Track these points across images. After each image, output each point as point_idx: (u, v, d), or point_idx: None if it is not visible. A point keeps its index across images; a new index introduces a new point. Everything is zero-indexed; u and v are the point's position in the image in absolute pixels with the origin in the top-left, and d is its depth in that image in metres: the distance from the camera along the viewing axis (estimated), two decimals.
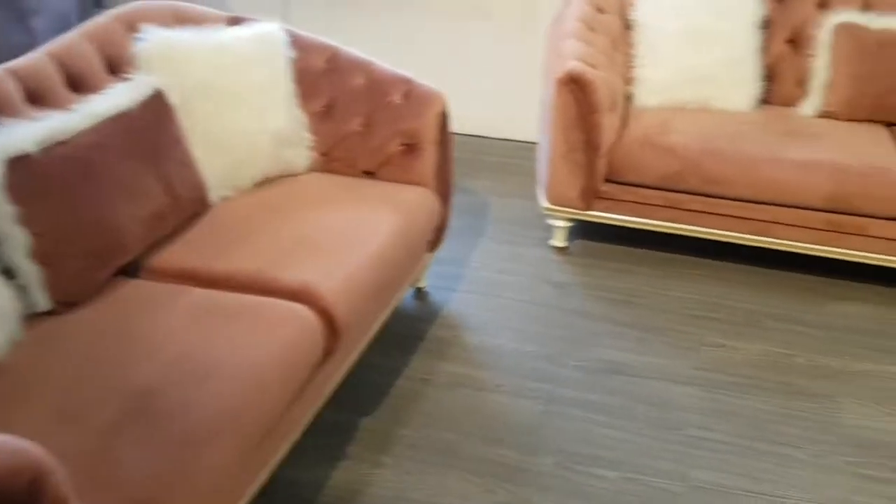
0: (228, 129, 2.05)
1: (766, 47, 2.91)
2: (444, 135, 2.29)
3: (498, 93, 3.64)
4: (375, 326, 2.03)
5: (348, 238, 1.89)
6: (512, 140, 3.73)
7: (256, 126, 2.09)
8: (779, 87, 2.93)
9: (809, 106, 2.83)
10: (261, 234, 1.89)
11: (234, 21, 2.24)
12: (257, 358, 1.48)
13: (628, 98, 2.89)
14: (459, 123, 3.81)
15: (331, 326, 1.69)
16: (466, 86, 3.57)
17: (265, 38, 2.13)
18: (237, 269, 1.75)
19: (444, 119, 2.27)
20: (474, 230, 2.94)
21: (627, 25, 2.93)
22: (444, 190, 2.34)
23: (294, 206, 2.03)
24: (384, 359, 2.24)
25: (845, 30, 2.74)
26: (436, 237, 2.36)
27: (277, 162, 2.17)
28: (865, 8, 2.84)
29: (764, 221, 2.58)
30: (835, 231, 2.52)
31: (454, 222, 2.78)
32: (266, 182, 2.18)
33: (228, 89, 2.04)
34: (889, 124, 2.75)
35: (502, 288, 2.59)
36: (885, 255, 2.48)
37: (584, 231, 2.93)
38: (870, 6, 2.84)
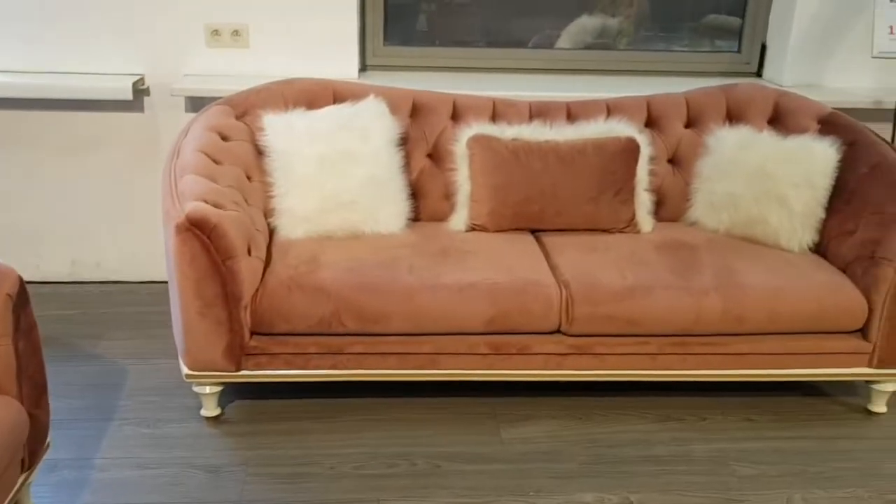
0: None
1: (407, 164, 2.72)
2: (20, 322, 1.71)
3: (131, 231, 3.10)
4: None
5: None
6: (156, 282, 3.17)
7: None
8: (427, 203, 2.74)
9: (458, 220, 2.67)
10: None
11: None
12: None
13: (273, 232, 2.51)
14: (89, 271, 3.21)
15: None
16: (94, 226, 2.99)
17: None
18: None
19: (15, 302, 1.70)
20: (103, 411, 2.34)
21: (261, 152, 2.57)
22: (33, 391, 1.75)
23: None
24: None
25: (478, 142, 2.63)
26: (32, 452, 1.75)
27: None
28: (494, 119, 2.76)
29: (429, 354, 2.32)
30: (500, 353, 2.32)
31: (77, 404, 2.18)
32: None
33: None
34: (533, 231, 2.66)
35: (141, 490, 2.04)
36: (546, 370, 2.33)
37: (242, 389, 2.47)
38: (498, 117, 2.77)
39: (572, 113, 2.81)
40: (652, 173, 2.75)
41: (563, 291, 2.31)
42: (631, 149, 2.64)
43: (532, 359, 2.34)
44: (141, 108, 3.00)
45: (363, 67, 3.19)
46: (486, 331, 2.32)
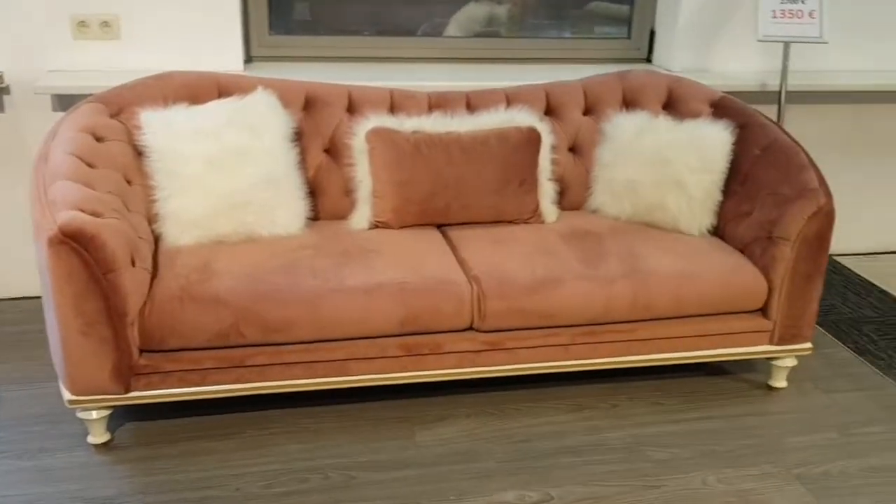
0: None
1: (303, 160, 2.57)
2: None
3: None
4: None
5: None
6: (28, 298, 2.90)
7: None
8: (326, 200, 2.61)
9: (360, 218, 2.55)
10: None
11: None
12: None
13: (159, 239, 2.32)
14: None
15: None
16: None
17: None
18: None
19: None
20: None
21: (140, 153, 2.36)
22: None
23: None
24: None
25: (378, 135, 2.51)
26: None
27: None
28: (393, 111, 2.65)
29: (337, 361, 2.19)
30: (412, 355, 2.22)
31: None
32: None
33: None
34: (438, 226, 2.57)
35: None
36: (460, 368, 2.26)
37: (134, 411, 2.28)
38: (397, 109, 2.66)
39: (472, 103, 2.73)
40: (554, 162, 2.72)
41: (474, 287, 2.24)
42: (533, 138, 2.59)
43: (445, 358, 2.26)
44: (1, 108, 2.72)
45: (248, 59, 3.01)
46: (397, 332, 2.21)
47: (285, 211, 2.44)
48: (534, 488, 2.10)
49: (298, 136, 2.57)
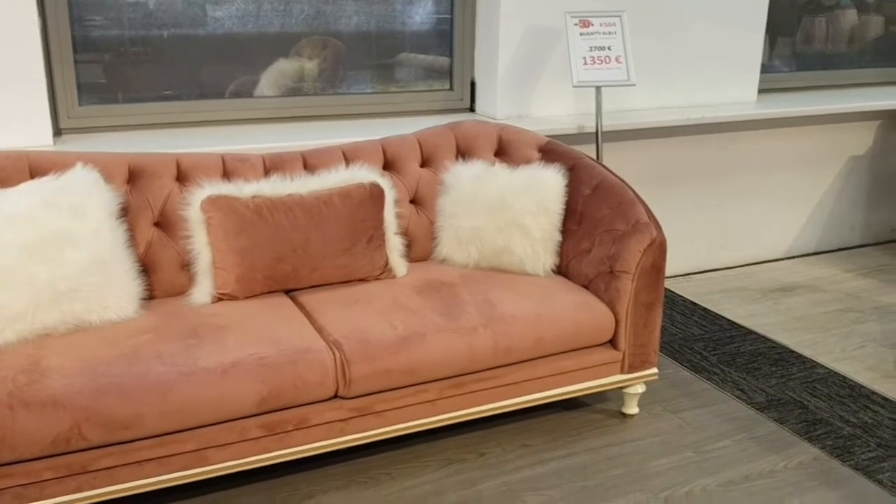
0: None
1: (132, 237, 2.35)
2: None
3: None
4: None
5: None
6: None
7: None
8: (161, 277, 2.40)
9: (202, 292, 2.37)
10: None
11: None
12: None
13: None
14: None
15: None
16: None
17: None
18: None
19: None
20: None
21: None
22: None
23: None
24: None
25: (215, 203, 2.36)
26: None
27: None
28: (227, 177, 2.50)
29: (193, 451, 2.00)
30: (276, 433, 2.07)
31: None
32: None
33: None
34: (287, 292, 2.44)
35: None
36: (328, 440, 2.14)
37: None
38: (231, 174, 2.51)
39: (309, 163, 2.65)
40: (399, 216, 2.68)
41: (337, 353, 2.13)
42: (376, 194, 2.54)
43: (312, 431, 2.13)
44: None
45: (57, 132, 2.74)
46: (258, 412, 2.06)
47: (117, 294, 2.22)
48: None
49: (125, 212, 2.36)
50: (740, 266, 4.05)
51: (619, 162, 3.59)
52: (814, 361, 3.04)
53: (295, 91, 3.14)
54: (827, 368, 2.99)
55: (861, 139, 4.18)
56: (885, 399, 2.78)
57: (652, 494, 2.27)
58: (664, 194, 3.76)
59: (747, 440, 2.54)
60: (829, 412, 2.70)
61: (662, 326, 3.31)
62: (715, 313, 3.48)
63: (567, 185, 2.73)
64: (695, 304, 3.58)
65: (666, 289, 3.75)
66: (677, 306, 3.55)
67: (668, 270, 3.89)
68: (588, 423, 2.63)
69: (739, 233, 4.00)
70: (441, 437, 2.51)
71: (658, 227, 2.49)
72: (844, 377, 2.93)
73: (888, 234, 4.44)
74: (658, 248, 2.47)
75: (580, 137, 3.35)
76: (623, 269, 2.46)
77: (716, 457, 2.46)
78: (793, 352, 3.12)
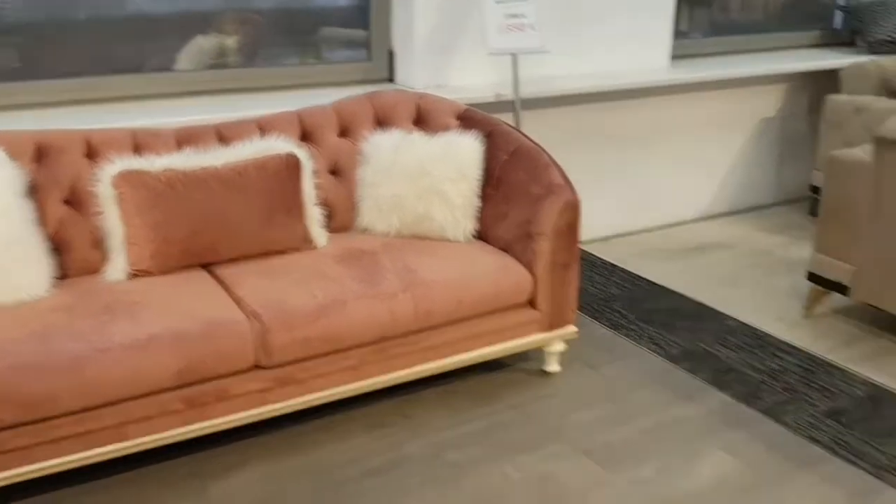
0: None
1: (42, 215, 2.30)
2: None
3: None
4: None
5: None
6: None
7: None
8: (73, 256, 2.36)
9: (116, 269, 2.33)
10: None
11: None
12: None
13: None
14: None
15: None
16: None
17: None
18: None
19: None
20: None
21: None
22: None
23: None
24: None
25: (126, 179, 2.32)
26: None
27: None
28: (138, 152, 2.45)
29: (113, 427, 1.98)
30: (197, 406, 2.07)
31: None
32: None
33: None
34: (205, 266, 2.42)
35: None
36: (251, 410, 2.14)
37: None
38: (142, 149, 2.47)
39: (223, 136, 2.62)
40: (317, 186, 2.67)
41: (255, 323, 2.13)
42: (293, 164, 2.53)
43: (233, 403, 2.13)
44: None
45: None
46: (177, 385, 2.05)
47: (26, 273, 2.17)
48: None
49: (33, 190, 2.30)
50: (658, 228, 4.17)
51: (538, 129, 3.64)
52: (725, 315, 3.16)
53: (210, 66, 3.08)
54: (737, 321, 3.11)
55: (771, 102, 4.33)
56: (792, 347, 2.92)
57: (571, 445, 2.35)
58: (583, 160, 3.83)
59: (661, 390, 2.64)
60: (738, 361, 2.82)
61: (583, 288, 3.40)
62: (633, 274, 3.58)
63: (485, 152, 2.77)
64: (614, 265, 3.68)
65: (586, 252, 3.84)
66: (597, 268, 3.64)
67: (588, 234, 3.98)
68: (510, 382, 2.69)
69: (656, 196, 4.11)
70: (367, 403, 2.54)
71: (572, 190, 2.55)
72: (754, 328, 3.06)
73: (798, 193, 4.62)
74: (572, 210, 2.53)
75: (499, 106, 3.38)
76: (539, 231, 2.52)
77: (632, 407, 2.55)
78: (706, 307, 3.24)
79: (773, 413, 2.50)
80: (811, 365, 2.78)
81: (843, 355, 2.85)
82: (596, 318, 3.13)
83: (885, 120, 2.72)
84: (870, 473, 2.22)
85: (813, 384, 2.66)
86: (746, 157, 4.36)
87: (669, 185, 4.13)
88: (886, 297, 2.80)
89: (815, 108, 4.44)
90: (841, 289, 2.96)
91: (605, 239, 4.01)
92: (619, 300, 3.30)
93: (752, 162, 4.38)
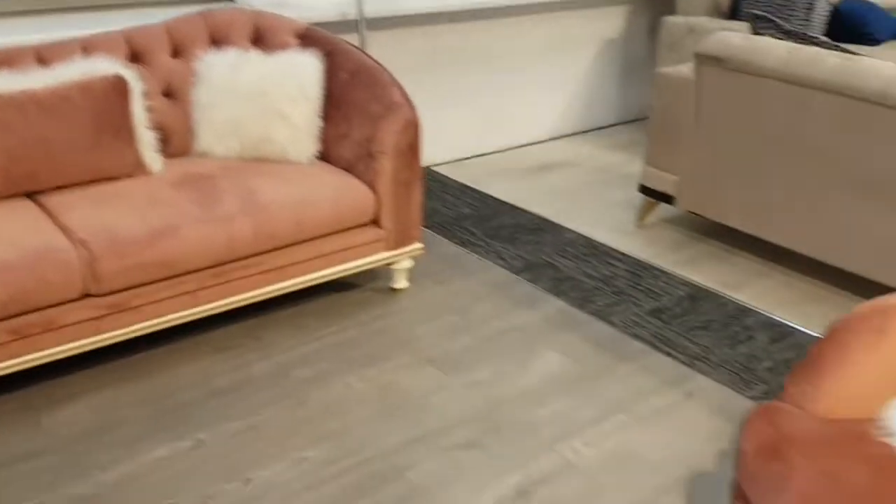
0: None
1: None
2: None
3: None
4: None
5: None
6: None
7: None
8: None
9: None
10: None
11: None
12: None
13: None
14: None
15: None
16: None
17: None
18: None
19: None
20: None
21: None
22: None
23: None
24: None
25: None
26: None
27: None
28: None
29: None
30: (24, 337, 2.00)
31: None
32: None
33: None
34: (30, 195, 2.31)
35: None
36: (83, 340, 2.10)
37: None
38: None
39: (43, 57, 2.46)
40: (149, 109, 2.57)
41: (82, 251, 2.07)
42: (120, 87, 2.42)
43: (64, 332, 2.08)
44: None
45: None
46: (2, 316, 1.97)
47: None
48: (183, 438, 2.06)
49: None
50: (507, 150, 4.28)
51: (386, 51, 3.62)
52: (565, 227, 3.32)
53: None
54: (576, 233, 3.28)
55: (612, 24, 4.47)
56: (623, 254, 3.11)
57: (415, 356, 2.44)
58: (434, 82, 3.85)
59: (503, 300, 2.77)
60: (575, 270, 2.98)
61: (435, 208, 3.47)
62: (483, 193, 3.68)
63: (325, 71, 2.73)
64: (465, 186, 3.76)
65: (439, 173, 3.90)
66: (449, 189, 3.72)
67: (442, 157, 4.04)
68: (360, 301, 2.74)
69: (507, 118, 4.21)
70: (216, 328, 2.53)
71: (412, 108, 2.57)
72: (590, 239, 3.23)
73: (640, 112, 4.84)
74: (412, 128, 2.56)
75: (344, 26, 3.33)
76: (380, 150, 2.54)
77: (475, 318, 2.66)
78: (547, 220, 3.39)
79: (602, 315, 2.68)
80: (639, 270, 2.98)
81: (668, 260, 3.07)
82: (446, 237, 3.22)
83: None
84: (683, 363, 2.43)
85: (639, 287, 2.86)
86: (590, 79, 4.51)
87: (518, 107, 4.23)
88: (706, 205, 3.02)
89: (654, 30, 4.63)
90: (668, 199, 3.17)
91: (458, 161, 4.08)
92: (469, 219, 3.39)
93: (595, 83, 4.54)
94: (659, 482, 1.96)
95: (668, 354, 2.46)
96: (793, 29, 2.83)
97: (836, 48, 2.70)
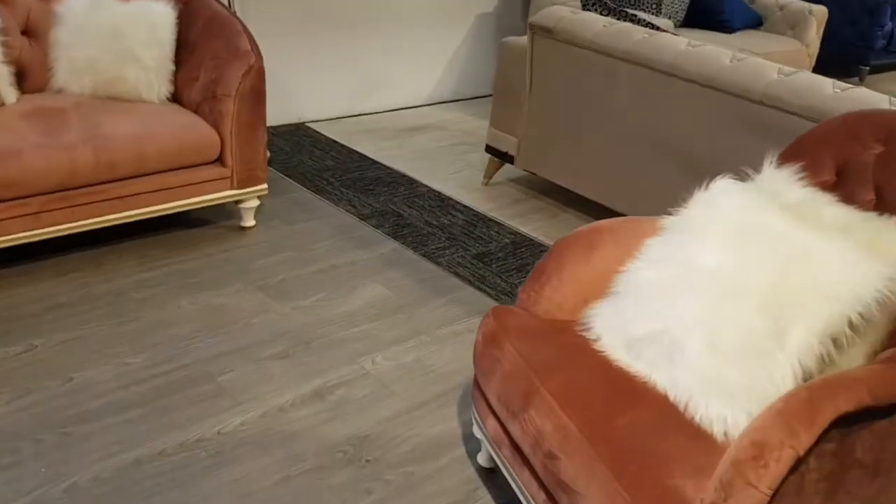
0: None
1: None
2: None
3: None
4: None
5: None
6: None
7: None
8: None
9: None
10: None
11: None
12: None
13: None
14: None
15: None
16: None
17: None
18: None
19: None
20: None
21: None
22: None
23: None
24: None
25: None
26: None
27: None
28: None
29: None
30: None
31: None
32: None
33: None
34: None
35: None
36: None
37: None
38: None
39: None
40: (7, 45, 2.71)
41: None
42: None
43: None
44: None
45: None
46: None
47: None
48: (19, 343, 2.23)
49: None
50: (383, 112, 4.51)
51: (262, 12, 3.79)
52: (420, 183, 3.58)
53: None
54: (428, 187, 3.54)
55: None
56: (465, 207, 3.39)
57: (249, 285, 2.66)
58: (310, 43, 4.05)
59: (344, 241, 3.01)
60: (418, 218, 3.25)
61: (300, 160, 3.68)
62: (350, 149, 3.91)
63: (181, 19, 2.91)
64: (335, 141, 3.99)
65: (311, 129, 4.11)
66: (319, 143, 3.93)
67: (317, 114, 4.24)
68: (209, 236, 2.94)
69: (385, 82, 4.44)
70: (62, 253, 2.70)
71: (258, 55, 2.78)
72: (439, 192, 3.50)
73: None
74: (257, 74, 2.76)
75: None
76: (225, 93, 2.74)
77: (314, 254, 2.90)
78: (405, 176, 3.64)
79: (430, 256, 2.95)
80: (475, 220, 3.27)
81: (503, 213, 3.36)
82: (305, 186, 3.44)
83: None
84: (491, 297, 2.72)
85: (472, 235, 3.14)
86: (466, 50, 4.77)
87: (396, 73, 4.46)
88: (539, 164, 3.32)
89: (528, 5, 4.91)
90: (510, 159, 3.45)
91: (334, 119, 4.29)
92: (331, 171, 3.62)
93: (471, 54, 4.81)
94: (440, 388, 2.24)
95: (480, 289, 2.75)
96: (615, 6, 3.14)
97: (650, 25, 3.02)
